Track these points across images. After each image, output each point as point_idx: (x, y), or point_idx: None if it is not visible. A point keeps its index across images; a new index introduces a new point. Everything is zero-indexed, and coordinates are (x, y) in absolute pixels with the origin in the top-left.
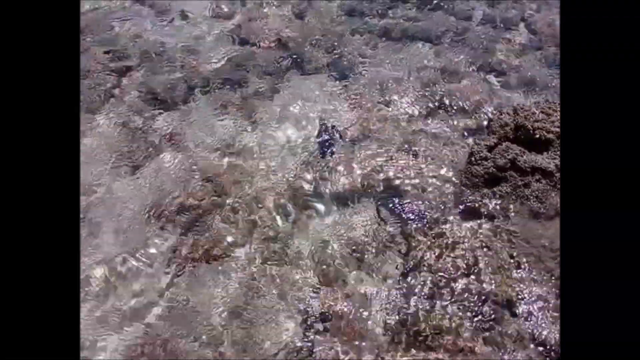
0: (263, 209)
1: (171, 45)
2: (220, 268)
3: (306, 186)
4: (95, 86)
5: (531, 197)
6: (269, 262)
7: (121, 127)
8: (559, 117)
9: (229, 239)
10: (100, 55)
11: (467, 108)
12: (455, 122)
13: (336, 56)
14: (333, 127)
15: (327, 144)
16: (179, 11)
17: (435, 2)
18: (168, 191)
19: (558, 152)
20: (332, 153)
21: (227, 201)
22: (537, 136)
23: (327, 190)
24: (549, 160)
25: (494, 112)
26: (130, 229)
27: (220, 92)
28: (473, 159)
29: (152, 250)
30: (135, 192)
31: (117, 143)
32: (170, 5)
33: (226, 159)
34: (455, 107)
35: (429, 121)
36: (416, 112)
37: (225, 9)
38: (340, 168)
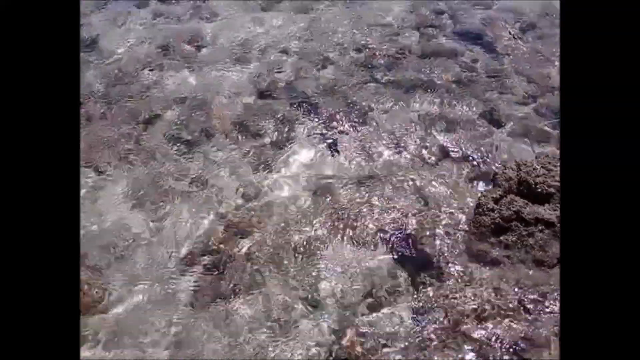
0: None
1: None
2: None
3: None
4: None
5: (535, 246)
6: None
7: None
8: (558, 172)
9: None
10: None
11: (472, 156)
12: (462, 170)
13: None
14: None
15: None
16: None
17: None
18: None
19: (559, 205)
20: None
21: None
22: (539, 190)
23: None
24: (551, 212)
25: (499, 165)
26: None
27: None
28: (480, 209)
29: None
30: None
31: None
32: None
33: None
34: (461, 155)
35: (437, 168)
36: (425, 158)
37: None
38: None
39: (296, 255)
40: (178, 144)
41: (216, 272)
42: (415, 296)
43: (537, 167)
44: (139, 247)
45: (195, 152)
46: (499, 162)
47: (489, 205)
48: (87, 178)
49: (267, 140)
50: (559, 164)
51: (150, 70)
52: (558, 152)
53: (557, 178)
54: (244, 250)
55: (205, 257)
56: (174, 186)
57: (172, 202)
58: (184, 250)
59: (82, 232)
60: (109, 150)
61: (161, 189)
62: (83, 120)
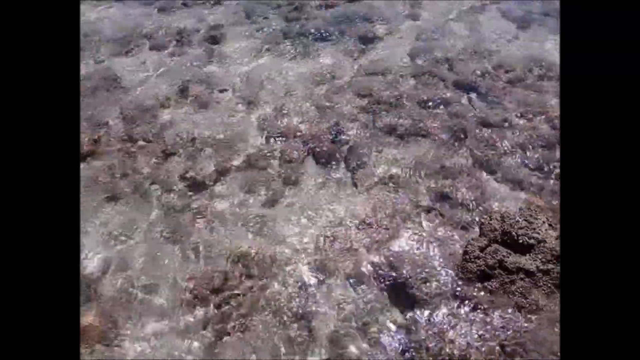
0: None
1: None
2: None
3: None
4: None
5: (516, 293)
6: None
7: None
8: (539, 224)
9: None
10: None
11: (464, 203)
12: (454, 216)
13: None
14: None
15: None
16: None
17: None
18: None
19: (539, 255)
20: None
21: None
22: (521, 241)
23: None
24: (531, 262)
25: (485, 217)
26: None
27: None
28: (467, 256)
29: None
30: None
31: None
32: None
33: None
34: (454, 202)
35: (432, 213)
36: (422, 203)
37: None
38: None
39: None
40: None
41: None
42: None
43: (519, 219)
44: None
45: None
46: (486, 214)
47: (475, 253)
48: None
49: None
50: (539, 217)
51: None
52: (541, 202)
53: (538, 230)
54: None
55: None
56: None
57: None
58: None
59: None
60: None
61: None
62: None
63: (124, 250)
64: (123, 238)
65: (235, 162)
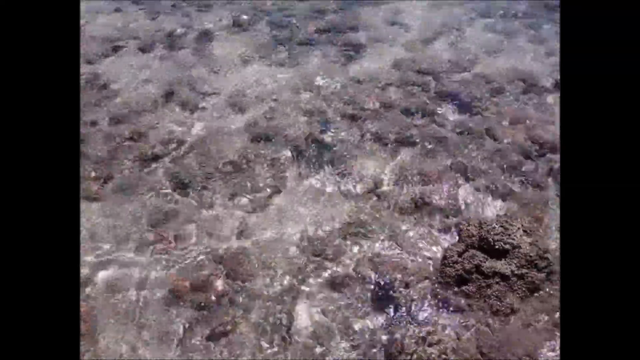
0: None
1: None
2: None
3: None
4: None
5: (492, 296)
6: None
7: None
8: (514, 231)
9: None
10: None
11: (444, 208)
12: (434, 221)
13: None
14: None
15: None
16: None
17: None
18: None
19: (514, 260)
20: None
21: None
22: (497, 247)
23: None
24: (507, 266)
25: (463, 222)
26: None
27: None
28: (446, 261)
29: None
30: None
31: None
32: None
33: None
34: (433, 207)
35: (413, 218)
36: (405, 206)
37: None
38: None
39: None
40: None
41: None
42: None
43: (496, 226)
44: None
45: None
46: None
47: (453, 258)
48: None
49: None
50: (515, 223)
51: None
52: (519, 209)
53: (513, 236)
54: None
55: None
56: None
57: None
58: None
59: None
60: None
61: None
62: None
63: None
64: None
65: (221, 166)
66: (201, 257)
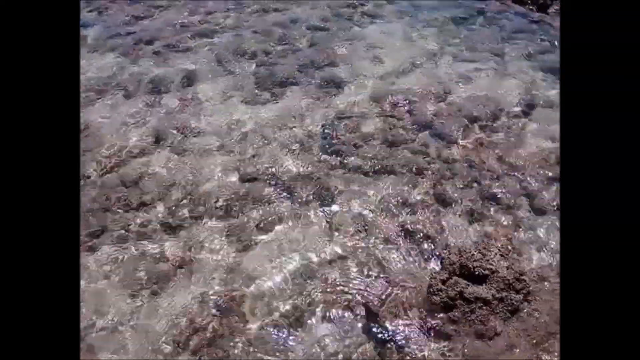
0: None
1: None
2: None
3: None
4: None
5: (476, 321)
6: None
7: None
8: (492, 256)
9: None
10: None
11: (428, 236)
12: (419, 249)
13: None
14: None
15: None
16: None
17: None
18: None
19: (493, 284)
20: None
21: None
22: (477, 273)
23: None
24: (487, 291)
25: (445, 251)
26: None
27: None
28: (432, 289)
29: None
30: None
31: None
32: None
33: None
34: (417, 236)
35: (399, 246)
36: (391, 237)
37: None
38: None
39: None
40: None
41: None
42: None
43: (474, 252)
44: None
45: None
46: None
47: (438, 286)
48: None
49: None
50: (492, 249)
51: None
52: (497, 233)
53: (491, 261)
54: None
55: None
56: None
57: None
58: None
59: None
60: None
61: None
62: None
63: None
64: None
65: (211, 207)
66: None
